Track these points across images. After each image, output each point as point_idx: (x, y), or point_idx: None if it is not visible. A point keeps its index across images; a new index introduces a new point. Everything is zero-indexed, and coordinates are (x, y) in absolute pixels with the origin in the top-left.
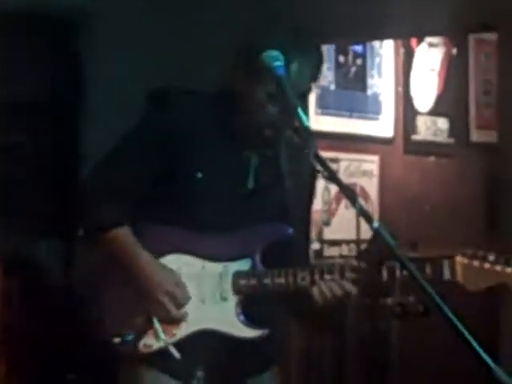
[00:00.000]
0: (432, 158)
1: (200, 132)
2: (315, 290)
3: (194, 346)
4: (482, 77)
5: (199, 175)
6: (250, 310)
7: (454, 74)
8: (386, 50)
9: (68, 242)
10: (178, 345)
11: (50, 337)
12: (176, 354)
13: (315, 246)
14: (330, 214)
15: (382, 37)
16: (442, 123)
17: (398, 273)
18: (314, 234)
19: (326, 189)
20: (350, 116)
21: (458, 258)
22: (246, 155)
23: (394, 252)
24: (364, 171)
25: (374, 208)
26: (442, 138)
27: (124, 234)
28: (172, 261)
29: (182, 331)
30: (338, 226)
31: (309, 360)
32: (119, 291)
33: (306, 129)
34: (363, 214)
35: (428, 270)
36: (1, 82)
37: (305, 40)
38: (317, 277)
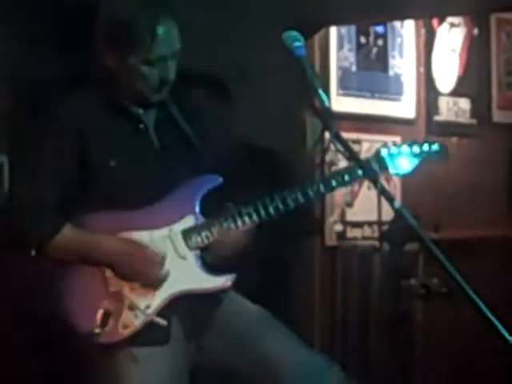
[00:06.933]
0: (454, 139)
1: (97, 122)
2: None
3: (169, 310)
4: (504, 56)
5: (112, 163)
6: (212, 260)
7: (476, 54)
8: (407, 31)
9: None
10: (156, 314)
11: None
12: (162, 321)
13: (338, 227)
14: (352, 195)
15: (403, 17)
16: (464, 104)
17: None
18: (336, 215)
19: None
20: (372, 97)
21: None
22: (142, 124)
23: (417, 232)
24: None
25: (396, 189)
26: (464, 118)
27: (70, 231)
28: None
29: (156, 300)
30: (361, 207)
31: (333, 339)
32: (84, 283)
33: (327, 109)
34: (384, 194)
35: None
36: (22, 65)
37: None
38: (262, 211)
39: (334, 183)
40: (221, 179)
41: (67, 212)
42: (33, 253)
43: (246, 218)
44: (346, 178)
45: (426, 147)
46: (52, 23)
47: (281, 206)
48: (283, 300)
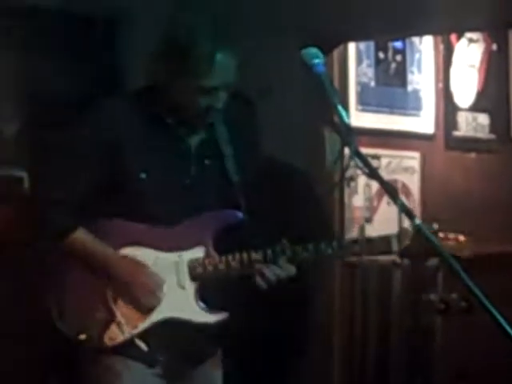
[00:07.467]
0: (473, 154)
1: (135, 133)
2: (257, 277)
3: (156, 334)
4: None
5: (143, 176)
6: (209, 295)
7: (494, 69)
8: (425, 46)
9: None
10: (141, 335)
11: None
12: (143, 346)
13: None
14: (371, 210)
15: (421, 33)
16: (483, 119)
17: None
18: (355, 231)
19: (368, 185)
20: (391, 112)
21: None
22: (184, 145)
23: (438, 248)
24: (405, 168)
25: (415, 204)
26: (483, 133)
27: (81, 236)
28: (126, 254)
29: (145, 323)
30: (380, 222)
31: (353, 355)
32: (79, 290)
33: (346, 125)
34: (404, 210)
35: None
36: (41, 80)
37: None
38: (270, 258)
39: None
40: (240, 215)
41: (86, 214)
42: (41, 244)
43: (255, 263)
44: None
45: None
46: (70, 38)
47: (290, 257)
48: (302, 316)
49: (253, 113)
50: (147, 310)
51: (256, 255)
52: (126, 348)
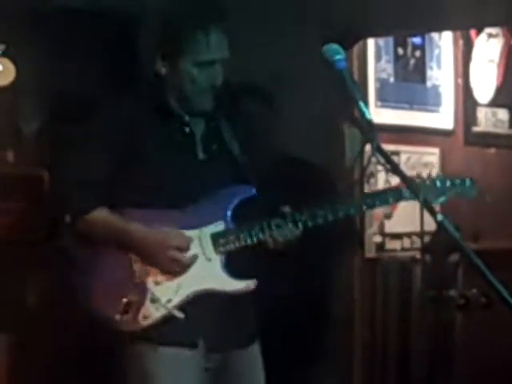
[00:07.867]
0: (492, 150)
1: (143, 121)
2: (267, 237)
3: (190, 310)
4: None
5: (154, 157)
6: (235, 264)
7: None
8: (444, 42)
9: None
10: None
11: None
12: (179, 314)
13: (377, 238)
14: (391, 207)
15: (440, 28)
16: (503, 114)
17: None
18: (375, 227)
19: (387, 182)
20: (410, 108)
21: None
22: (190, 131)
23: (460, 244)
24: (425, 163)
25: None
26: (503, 129)
27: (106, 214)
28: None
29: (178, 296)
30: (399, 219)
31: (374, 351)
32: (110, 272)
33: (368, 121)
34: (427, 206)
35: None
36: (60, 78)
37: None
38: (291, 224)
39: (364, 206)
40: (254, 190)
41: (105, 199)
42: (67, 219)
43: (274, 229)
44: (377, 202)
45: (457, 182)
46: (87, 36)
47: (310, 221)
48: (323, 313)
49: (266, 107)
50: (183, 270)
51: (275, 221)
52: (163, 330)
